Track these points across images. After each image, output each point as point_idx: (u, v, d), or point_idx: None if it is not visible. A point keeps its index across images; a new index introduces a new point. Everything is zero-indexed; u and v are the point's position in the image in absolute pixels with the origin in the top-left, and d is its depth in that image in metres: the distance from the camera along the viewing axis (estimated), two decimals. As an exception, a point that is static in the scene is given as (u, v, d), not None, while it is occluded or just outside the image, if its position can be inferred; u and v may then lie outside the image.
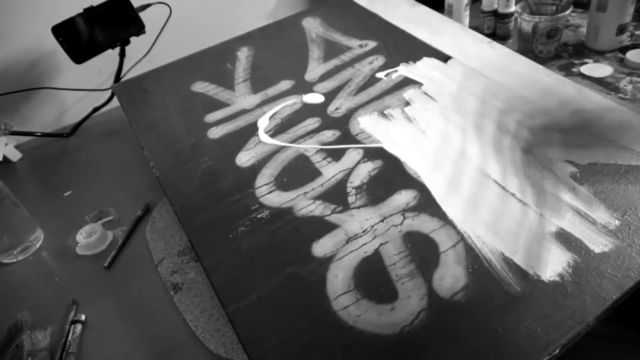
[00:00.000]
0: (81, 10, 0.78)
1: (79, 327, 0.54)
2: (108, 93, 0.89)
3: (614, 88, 0.75)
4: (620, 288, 0.40)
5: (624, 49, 0.83)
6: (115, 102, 0.86)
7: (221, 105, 0.69)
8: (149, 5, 0.86)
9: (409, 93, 0.64)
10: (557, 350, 0.37)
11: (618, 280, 0.40)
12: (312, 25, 0.81)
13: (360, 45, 0.75)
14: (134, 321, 0.54)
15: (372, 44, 0.74)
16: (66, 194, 0.74)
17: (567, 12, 0.83)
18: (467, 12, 0.95)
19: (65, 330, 0.53)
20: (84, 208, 0.70)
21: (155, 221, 0.65)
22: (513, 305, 0.40)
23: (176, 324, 0.52)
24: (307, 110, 0.65)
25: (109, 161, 0.80)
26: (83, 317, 0.55)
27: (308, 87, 0.69)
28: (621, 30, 0.82)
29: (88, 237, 0.63)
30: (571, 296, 0.40)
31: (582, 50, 0.87)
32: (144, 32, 0.85)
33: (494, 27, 0.96)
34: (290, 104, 0.67)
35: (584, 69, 0.81)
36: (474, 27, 0.96)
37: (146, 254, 0.61)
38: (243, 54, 0.78)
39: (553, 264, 0.42)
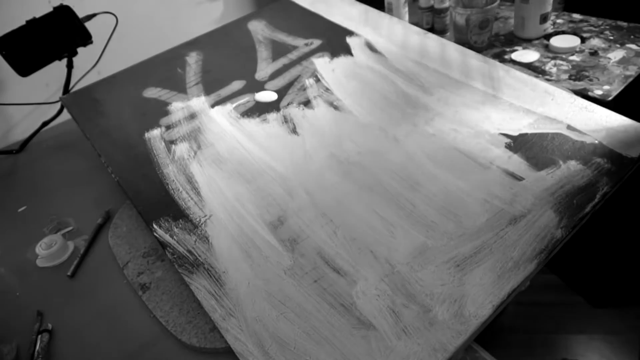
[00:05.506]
0: (24, 23, 0.77)
1: (46, 336, 0.54)
2: (57, 107, 0.87)
3: (541, 71, 0.82)
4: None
5: (548, 36, 0.90)
6: (64, 116, 0.85)
7: (175, 108, 0.70)
8: (94, 15, 0.86)
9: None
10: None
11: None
12: (258, 28, 0.84)
13: (306, 44, 0.78)
14: (104, 324, 0.54)
15: (317, 42, 0.78)
16: (20, 210, 0.73)
17: (496, 4, 0.89)
18: (406, 9, 1.01)
19: (32, 340, 0.53)
20: (41, 221, 0.69)
21: (118, 227, 0.65)
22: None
23: (147, 322, 0.53)
24: (261, 107, 0.67)
25: (63, 174, 0.79)
26: (50, 327, 0.55)
27: (259, 86, 0.71)
28: (544, 18, 0.90)
29: (48, 249, 0.62)
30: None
31: (512, 39, 0.94)
32: (91, 43, 0.85)
33: (432, 22, 1.02)
34: (243, 102, 0.69)
35: (514, 56, 0.88)
36: (414, 22, 1.02)
37: (110, 259, 0.61)
38: (192, 59, 0.79)
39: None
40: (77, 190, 0.74)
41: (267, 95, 0.69)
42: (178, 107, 0.70)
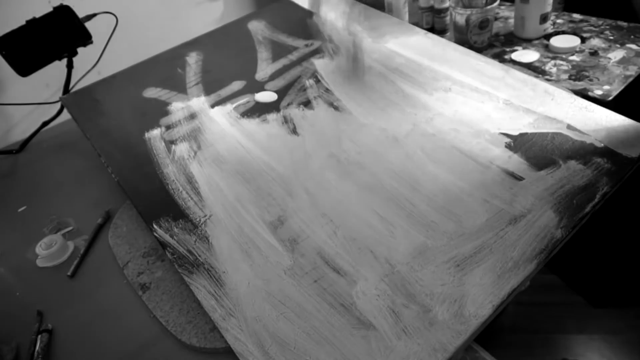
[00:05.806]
0: (23, 23, 0.77)
1: (46, 336, 0.54)
2: (57, 107, 0.87)
3: (541, 71, 0.82)
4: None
5: (548, 36, 0.90)
6: (64, 116, 0.85)
7: (175, 108, 0.70)
8: (94, 15, 0.86)
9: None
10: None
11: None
12: (258, 28, 0.84)
13: (306, 45, 0.78)
14: (104, 324, 0.54)
15: (317, 43, 0.78)
16: (20, 210, 0.73)
17: (495, 4, 0.89)
18: (406, 9, 1.01)
19: (32, 340, 0.53)
20: (41, 221, 0.69)
21: (118, 227, 0.65)
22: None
23: (147, 322, 0.53)
24: (261, 108, 0.67)
25: (63, 174, 0.79)
26: (50, 327, 0.55)
27: (260, 86, 0.71)
28: (544, 19, 0.90)
29: (48, 248, 0.62)
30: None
31: (512, 39, 0.94)
32: (91, 43, 0.85)
33: (432, 22, 1.02)
34: (243, 102, 0.69)
35: (514, 56, 0.88)
36: (414, 23, 1.02)
37: (110, 259, 0.61)
38: (192, 59, 0.79)
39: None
40: (77, 190, 0.74)
41: (267, 96, 0.69)
42: (178, 107, 0.70)
